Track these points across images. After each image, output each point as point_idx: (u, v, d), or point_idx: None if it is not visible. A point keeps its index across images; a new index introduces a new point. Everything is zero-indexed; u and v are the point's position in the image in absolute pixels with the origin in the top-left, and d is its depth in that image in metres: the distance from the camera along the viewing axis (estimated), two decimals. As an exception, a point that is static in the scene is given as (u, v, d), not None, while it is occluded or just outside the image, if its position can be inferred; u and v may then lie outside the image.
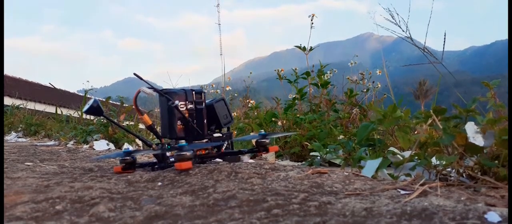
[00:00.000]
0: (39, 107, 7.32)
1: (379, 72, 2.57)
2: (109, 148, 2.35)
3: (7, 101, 8.08)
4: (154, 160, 1.25)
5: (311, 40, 2.52)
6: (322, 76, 2.21)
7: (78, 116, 4.65)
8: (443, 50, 1.74)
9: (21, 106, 6.06)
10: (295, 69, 2.46)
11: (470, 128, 0.83)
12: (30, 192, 0.84)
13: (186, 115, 1.20)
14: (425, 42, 1.73)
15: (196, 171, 1.09)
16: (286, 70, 2.64)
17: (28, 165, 1.44)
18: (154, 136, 1.27)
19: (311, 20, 2.38)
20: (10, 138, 3.84)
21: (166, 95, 1.17)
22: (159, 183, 0.95)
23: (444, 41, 1.69)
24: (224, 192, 0.79)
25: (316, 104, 2.25)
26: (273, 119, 2.22)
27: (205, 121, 1.24)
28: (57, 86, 14.34)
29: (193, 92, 1.23)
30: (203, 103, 1.25)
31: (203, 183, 0.90)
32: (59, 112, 5.26)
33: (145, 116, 1.22)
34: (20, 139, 3.65)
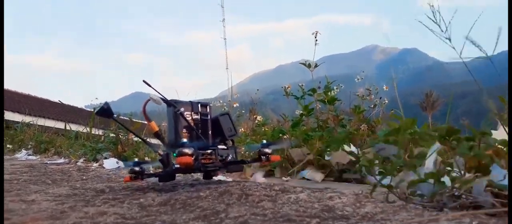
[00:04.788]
0: (49, 123, 7.41)
1: (386, 88, 2.58)
2: (119, 166, 2.37)
3: (17, 117, 8.20)
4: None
5: (315, 53, 2.54)
6: (329, 92, 2.22)
7: (87, 131, 4.71)
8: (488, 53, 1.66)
9: (31, 122, 6.15)
10: (302, 85, 2.47)
11: (496, 170, 0.83)
12: (47, 218, 0.85)
13: (192, 124, 1.23)
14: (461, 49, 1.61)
15: (207, 193, 1.10)
16: (291, 82, 2.65)
17: (41, 187, 1.46)
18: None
19: (315, 37, 2.41)
20: (21, 155, 3.89)
21: (173, 103, 1.21)
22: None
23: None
24: (236, 218, 0.80)
25: (323, 121, 2.26)
26: (280, 135, 2.23)
27: (210, 132, 1.27)
28: (66, 102, 14.53)
29: (199, 104, 1.28)
30: (209, 115, 1.29)
31: (214, 207, 0.91)
32: (68, 128, 5.32)
33: (152, 123, 1.27)
34: (30, 157, 3.69)
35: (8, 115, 9.05)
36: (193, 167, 1.10)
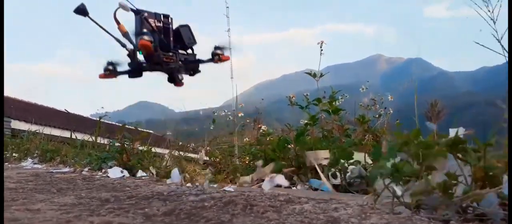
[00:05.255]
0: (55, 132, 7.46)
1: (391, 98, 2.57)
2: (124, 176, 2.37)
3: (24, 126, 8.26)
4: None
5: (320, 63, 2.55)
6: (334, 102, 2.22)
7: (92, 140, 4.72)
8: None
9: (37, 131, 6.19)
10: (307, 95, 2.48)
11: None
12: (52, 228, 0.85)
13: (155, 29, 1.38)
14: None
15: (212, 204, 1.10)
16: (296, 92, 2.66)
17: (46, 196, 1.46)
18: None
19: (321, 47, 2.42)
20: (26, 164, 3.90)
21: (139, 11, 1.34)
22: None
23: None
24: (241, 228, 0.79)
25: (328, 130, 2.25)
26: (285, 145, 2.22)
27: (171, 38, 1.42)
28: (71, 111, 14.64)
29: (162, 15, 1.44)
30: (170, 25, 1.44)
31: (219, 218, 0.91)
32: (74, 136, 5.35)
33: (122, 25, 1.36)
34: (35, 165, 3.71)
35: (15, 124, 9.13)
36: (152, 52, 1.26)
